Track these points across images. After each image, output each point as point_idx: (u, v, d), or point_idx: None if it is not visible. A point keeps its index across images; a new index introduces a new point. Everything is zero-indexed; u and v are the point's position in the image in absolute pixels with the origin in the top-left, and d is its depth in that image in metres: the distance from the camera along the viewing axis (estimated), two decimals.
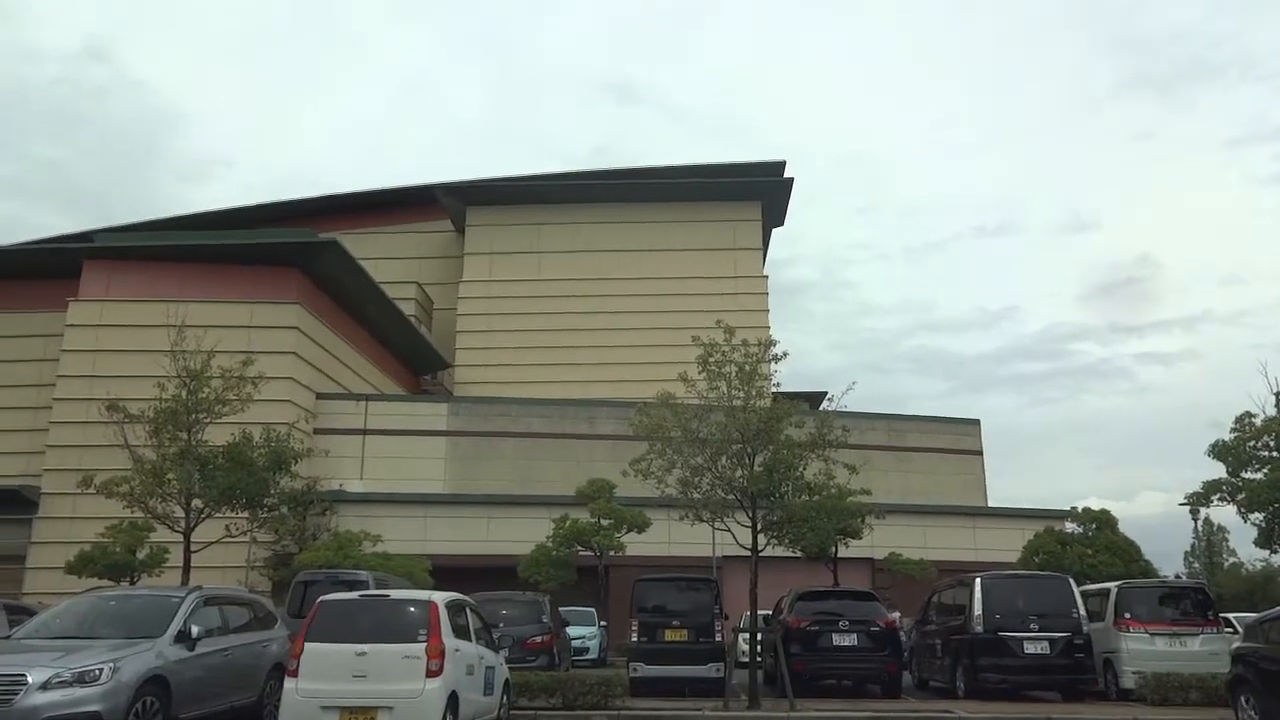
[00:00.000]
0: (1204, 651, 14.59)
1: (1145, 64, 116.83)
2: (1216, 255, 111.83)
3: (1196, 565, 46.20)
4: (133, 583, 20.89)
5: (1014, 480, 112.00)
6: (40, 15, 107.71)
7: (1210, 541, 47.54)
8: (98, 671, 8.82)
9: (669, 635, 15.64)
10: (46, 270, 30.71)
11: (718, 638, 15.64)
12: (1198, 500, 19.06)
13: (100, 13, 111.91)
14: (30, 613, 12.17)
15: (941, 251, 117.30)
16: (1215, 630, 15.01)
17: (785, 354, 15.46)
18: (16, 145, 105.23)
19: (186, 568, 17.23)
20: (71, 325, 29.01)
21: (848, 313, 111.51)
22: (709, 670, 15.23)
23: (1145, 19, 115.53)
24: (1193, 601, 15.53)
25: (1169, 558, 48.57)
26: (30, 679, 8.55)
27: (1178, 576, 39.52)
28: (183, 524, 17.11)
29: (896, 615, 19.09)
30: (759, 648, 15.08)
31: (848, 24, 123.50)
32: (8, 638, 10.63)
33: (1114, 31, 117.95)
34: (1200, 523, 41.92)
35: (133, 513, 18.11)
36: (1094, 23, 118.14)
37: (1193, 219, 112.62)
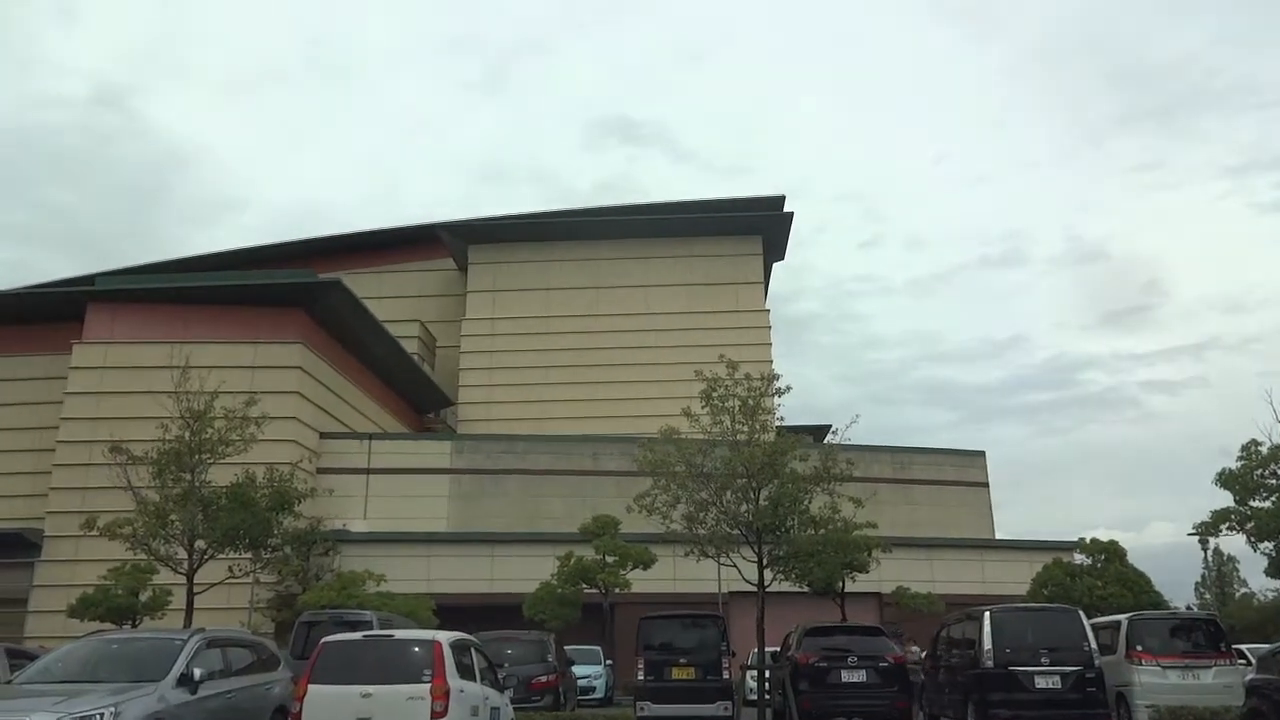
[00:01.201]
0: (1217, 684, 14.39)
1: (1146, 94, 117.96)
2: (1223, 282, 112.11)
3: (1208, 596, 45.78)
4: (135, 625, 20.77)
5: (1022, 511, 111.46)
6: (51, 63, 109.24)
7: (1221, 572, 47.15)
8: (99, 717, 8.72)
9: (676, 673, 15.47)
10: (51, 313, 30.87)
11: (725, 675, 15.48)
12: (1206, 530, 18.97)
13: (110, 60, 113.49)
14: (32, 657, 12.08)
15: (947, 283, 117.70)
16: (1228, 662, 14.81)
17: (788, 388, 15.49)
18: (26, 192, 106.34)
19: (189, 610, 17.13)
20: (75, 367, 29.10)
21: (853, 345, 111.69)
22: (717, 709, 15.06)
23: (1146, 49, 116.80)
24: (1205, 633, 15.34)
25: (1179, 588, 48.15)
26: None
27: (1189, 608, 39.15)
28: (185, 565, 17.04)
29: (915, 649, 18.90)
30: (767, 685, 14.92)
31: (849, 59, 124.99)
32: (9, 682, 10.53)
33: (1115, 62, 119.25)
34: (1210, 552, 41.66)
35: (135, 555, 18.03)
36: (1094, 54, 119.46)
37: (1198, 247, 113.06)
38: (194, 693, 9.91)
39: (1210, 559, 43.52)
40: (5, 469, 29.27)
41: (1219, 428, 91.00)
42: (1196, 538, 24.77)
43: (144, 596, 21.14)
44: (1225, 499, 18.10)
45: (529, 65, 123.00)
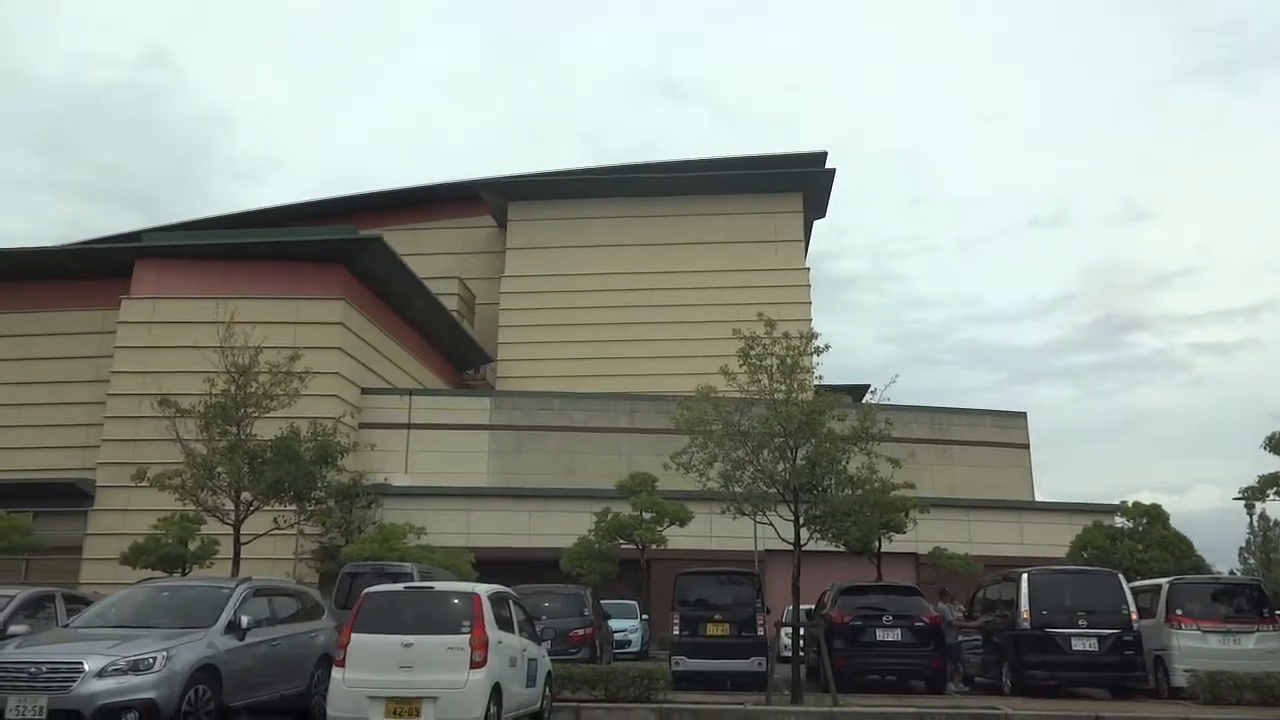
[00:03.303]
0: (1259, 650, 14.26)
1: (1207, 50, 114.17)
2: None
3: (1251, 562, 45.12)
4: (184, 574, 21.35)
5: (1066, 474, 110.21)
6: (101, 23, 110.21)
7: (1266, 537, 46.36)
8: (151, 660, 9.01)
9: (711, 629, 15.63)
10: (100, 269, 31.37)
11: (760, 632, 15.60)
12: (1253, 495, 18.69)
13: (158, 18, 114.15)
14: (87, 602, 12.46)
15: (994, 243, 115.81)
16: (1271, 628, 14.65)
17: (827, 346, 15.36)
18: (80, 150, 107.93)
19: (236, 559, 17.54)
20: (124, 322, 29.64)
21: (896, 305, 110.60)
22: (751, 664, 15.21)
23: (1208, 4, 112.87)
24: (1247, 599, 15.16)
25: (1223, 553, 47.55)
26: (87, 666, 8.77)
27: (1232, 573, 38.61)
28: (232, 516, 17.42)
29: (960, 611, 18.90)
30: (801, 642, 15.01)
31: (898, 14, 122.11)
32: (65, 626, 10.91)
33: (1175, 17, 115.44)
34: (1256, 518, 40.93)
35: (184, 505, 18.47)
36: (1154, 9, 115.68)
37: (1256, 206, 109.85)
38: (242, 639, 10.19)
39: (1256, 524, 42.79)
40: (59, 421, 30.02)
41: (1271, 391, 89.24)
42: (1242, 502, 24.39)
43: (193, 546, 21.69)
44: (1274, 463, 17.78)
45: (571, 19, 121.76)
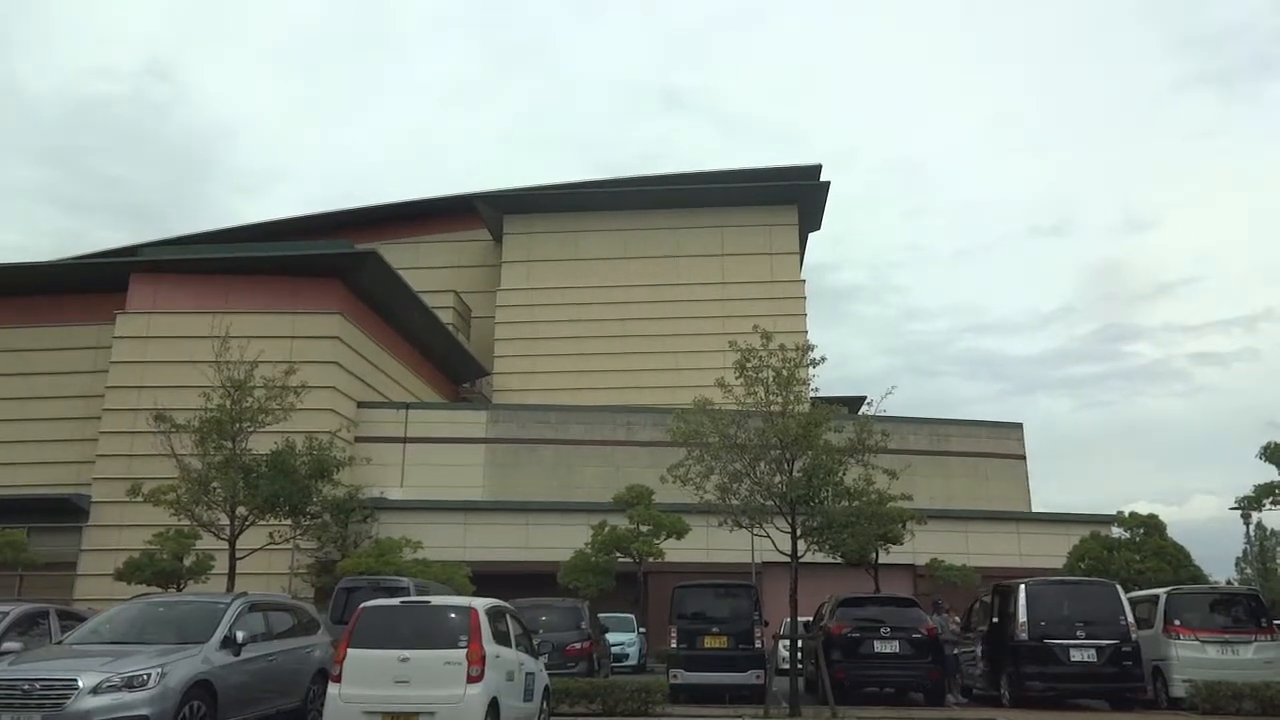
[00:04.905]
0: (1258, 660, 14.24)
1: (1206, 60, 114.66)
2: (1278, 253, 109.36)
3: (1249, 571, 45.11)
4: (179, 589, 21.26)
5: (1064, 484, 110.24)
6: (102, 35, 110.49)
7: (1263, 546, 46.35)
8: (146, 676, 8.96)
9: (708, 642, 15.58)
10: (96, 283, 31.33)
11: (758, 644, 15.56)
12: (1250, 504, 18.72)
13: (159, 30, 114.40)
14: (81, 618, 12.40)
15: (993, 253, 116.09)
16: (1269, 638, 14.63)
17: (823, 358, 15.37)
18: (81, 163, 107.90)
19: (231, 574, 17.47)
20: (119, 337, 29.60)
21: (895, 316, 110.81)
22: (749, 677, 15.17)
23: (1206, 14, 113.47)
24: (1245, 608, 15.16)
25: (1220, 563, 47.51)
26: (81, 683, 8.72)
27: (1229, 583, 38.61)
28: (227, 531, 17.36)
29: (956, 622, 18.87)
30: (799, 654, 14.97)
31: (899, 25, 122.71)
32: (60, 643, 10.85)
33: (1174, 28, 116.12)
34: (1253, 527, 40.92)
35: (179, 521, 18.40)
36: (1154, 20, 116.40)
37: (1255, 216, 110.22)
38: (237, 654, 10.15)
39: (1253, 533, 42.78)
40: (54, 436, 29.91)
41: (1269, 400, 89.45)
42: (1239, 512, 24.40)
43: (188, 561, 21.60)
44: (1270, 473, 17.82)
45: (571, 33, 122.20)
